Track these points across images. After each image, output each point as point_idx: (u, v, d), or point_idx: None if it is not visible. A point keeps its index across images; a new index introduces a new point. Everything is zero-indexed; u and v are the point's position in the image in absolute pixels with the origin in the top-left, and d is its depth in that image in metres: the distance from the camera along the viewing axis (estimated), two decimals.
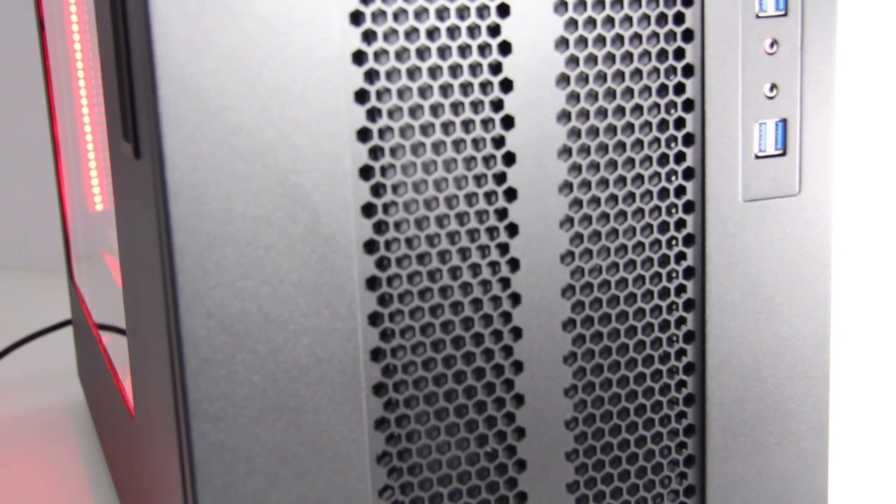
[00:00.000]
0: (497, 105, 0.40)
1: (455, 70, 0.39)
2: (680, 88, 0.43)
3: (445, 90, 0.39)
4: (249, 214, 0.37)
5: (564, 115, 0.41)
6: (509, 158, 0.41)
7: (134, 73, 0.39)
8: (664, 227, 0.43)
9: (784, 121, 0.44)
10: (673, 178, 0.43)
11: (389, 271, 0.40)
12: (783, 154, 0.45)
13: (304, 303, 0.39)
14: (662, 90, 0.42)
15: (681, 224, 0.44)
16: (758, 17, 0.43)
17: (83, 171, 0.74)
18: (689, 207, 0.44)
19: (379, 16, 0.38)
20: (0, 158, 1.24)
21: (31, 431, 0.80)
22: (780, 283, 0.46)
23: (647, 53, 0.42)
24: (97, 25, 0.46)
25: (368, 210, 0.39)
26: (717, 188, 0.44)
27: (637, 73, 0.42)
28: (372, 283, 0.40)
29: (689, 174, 0.43)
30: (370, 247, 0.39)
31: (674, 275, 0.44)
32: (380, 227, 0.39)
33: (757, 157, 0.44)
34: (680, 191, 0.43)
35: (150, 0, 0.35)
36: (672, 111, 0.43)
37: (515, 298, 0.41)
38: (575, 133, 0.41)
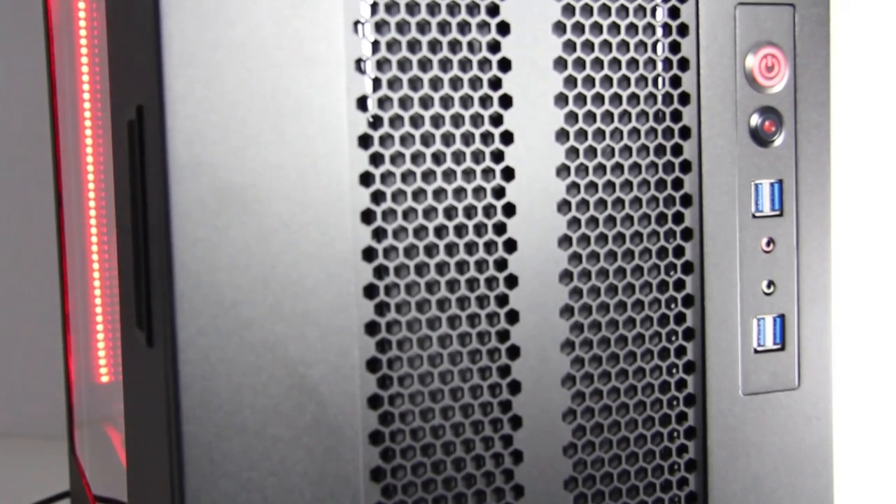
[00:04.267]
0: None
1: (462, 266, 0.41)
2: (680, 285, 0.44)
3: (452, 285, 0.41)
4: (258, 406, 0.38)
5: (567, 310, 0.42)
6: (513, 351, 0.42)
7: (151, 266, 0.40)
8: (665, 420, 0.44)
9: (782, 316, 0.45)
10: (674, 371, 0.44)
11: (394, 462, 0.40)
12: (782, 349, 0.46)
13: (309, 494, 0.39)
14: (663, 286, 0.44)
15: (682, 417, 0.44)
16: (754, 216, 0.45)
17: (91, 343, 0.75)
18: (690, 401, 0.44)
19: (389, 214, 0.40)
20: (7, 324, 1.25)
21: None
22: (782, 476, 0.46)
23: (647, 251, 0.43)
24: (116, 220, 0.47)
25: (375, 402, 0.40)
26: (718, 382, 0.44)
27: (638, 269, 0.43)
28: (377, 474, 0.40)
29: (689, 368, 0.44)
30: (376, 438, 0.40)
31: (676, 468, 0.44)
32: (385, 419, 0.40)
33: (756, 351, 0.45)
34: (681, 384, 0.44)
35: (171, 200, 0.37)
36: (672, 306, 0.44)
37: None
38: (578, 327, 0.42)
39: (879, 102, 0.67)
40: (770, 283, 0.45)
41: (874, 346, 0.67)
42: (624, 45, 0.43)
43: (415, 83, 0.40)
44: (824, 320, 0.46)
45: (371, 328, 0.40)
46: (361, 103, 0.39)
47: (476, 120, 0.41)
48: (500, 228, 0.41)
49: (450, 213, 0.41)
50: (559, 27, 0.42)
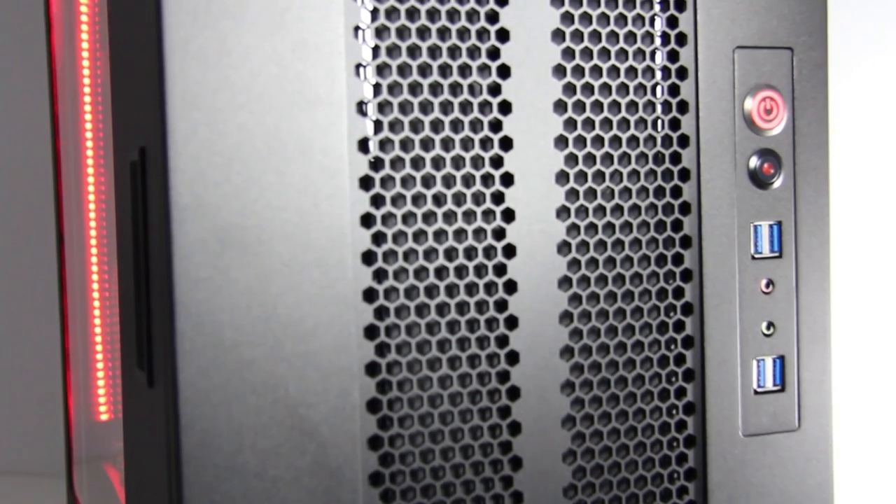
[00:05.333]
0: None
1: (462, 307, 0.41)
2: (680, 326, 0.44)
3: (452, 326, 0.41)
4: (258, 446, 0.38)
5: (567, 351, 0.42)
6: (513, 392, 0.42)
7: (152, 306, 0.40)
8: (666, 461, 0.44)
9: (782, 358, 0.46)
10: (674, 412, 0.44)
11: (394, 503, 0.40)
12: (782, 390, 0.46)
13: None
14: (663, 327, 0.44)
15: (682, 458, 0.44)
16: (753, 258, 0.45)
17: (90, 380, 0.75)
18: (690, 442, 0.44)
19: (390, 255, 0.40)
20: (6, 359, 1.25)
21: None
22: None
23: (647, 292, 0.43)
24: (118, 259, 0.47)
25: (375, 443, 0.40)
26: (718, 423, 0.44)
27: (638, 310, 0.43)
28: None
29: (689, 409, 0.44)
30: (376, 479, 0.40)
31: None
32: (385, 460, 0.40)
33: (756, 392, 0.45)
34: (681, 425, 0.44)
35: (172, 240, 0.37)
36: (672, 347, 0.44)
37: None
38: (578, 368, 0.42)
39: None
40: (770, 325, 0.45)
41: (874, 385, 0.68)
42: (623, 88, 0.43)
43: (416, 125, 0.40)
44: (824, 361, 0.46)
45: (371, 369, 0.40)
46: (363, 145, 0.39)
47: (477, 162, 0.41)
48: (500, 269, 0.41)
49: (450, 254, 0.41)
50: (559, 70, 0.42)
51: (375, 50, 0.40)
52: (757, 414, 0.45)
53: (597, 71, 0.43)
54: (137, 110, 0.42)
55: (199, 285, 0.37)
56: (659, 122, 0.44)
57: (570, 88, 0.42)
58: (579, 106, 0.42)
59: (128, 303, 0.45)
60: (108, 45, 0.53)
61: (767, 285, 0.45)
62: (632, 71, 0.43)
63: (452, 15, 0.41)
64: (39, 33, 0.93)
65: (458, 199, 0.41)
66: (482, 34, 0.41)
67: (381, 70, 0.40)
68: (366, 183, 0.40)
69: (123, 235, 0.46)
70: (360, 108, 0.39)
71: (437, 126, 0.40)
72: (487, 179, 0.41)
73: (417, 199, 0.40)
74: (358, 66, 0.39)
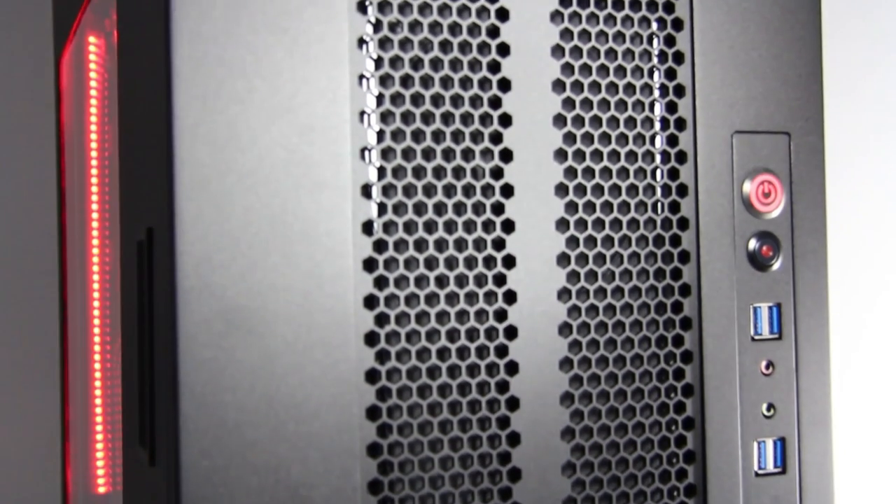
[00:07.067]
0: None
1: (464, 388, 0.41)
2: (681, 407, 0.44)
3: (454, 407, 0.41)
4: None
5: (568, 432, 0.42)
6: (514, 477, 0.42)
7: (156, 385, 0.40)
8: None
9: (782, 439, 0.46)
10: (675, 494, 0.44)
11: None
12: (783, 472, 0.46)
13: None
14: (664, 408, 0.44)
15: None
16: (753, 339, 0.45)
17: (90, 453, 0.75)
18: None
19: (393, 336, 0.40)
20: (6, 431, 1.25)
21: None
22: None
23: (648, 373, 0.44)
24: (122, 336, 0.48)
25: None
26: None
27: (639, 391, 0.44)
28: None
29: (691, 491, 0.44)
30: None
31: None
32: None
33: (757, 475, 0.45)
34: None
35: (178, 321, 0.37)
36: (673, 429, 0.44)
37: None
38: (578, 449, 0.43)
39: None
40: (770, 406, 0.45)
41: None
42: (624, 172, 0.44)
43: (419, 208, 0.41)
44: (825, 443, 0.46)
45: (373, 450, 0.40)
46: (367, 227, 0.40)
47: (479, 244, 0.42)
48: (501, 351, 0.42)
49: (452, 335, 0.41)
50: (560, 154, 0.43)
51: (380, 134, 0.40)
52: (759, 496, 0.45)
53: (598, 155, 0.43)
54: (145, 190, 0.42)
55: (203, 366, 0.38)
56: (659, 204, 0.44)
57: (571, 172, 0.43)
58: (580, 189, 0.43)
59: (131, 379, 0.45)
60: (116, 121, 0.53)
61: (767, 367, 0.45)
62: (632, 155, 0.44)
63: (456, 100, 0.41)
64: (50, 107, 0.94)
65: (461, 280, 0.41)
66: (485, 118, 0.42)
67: (386, 153, 0.41)
68: (369, 265, 0.40)
69: (128, 312, 0.47)
70: (365, 190, 0.40)
71: (440, 208, 0.41)
72: (489, 261, 0.42)
73: (420, 281, 0.41)
74: (363, 149, 0.40)
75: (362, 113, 0.40)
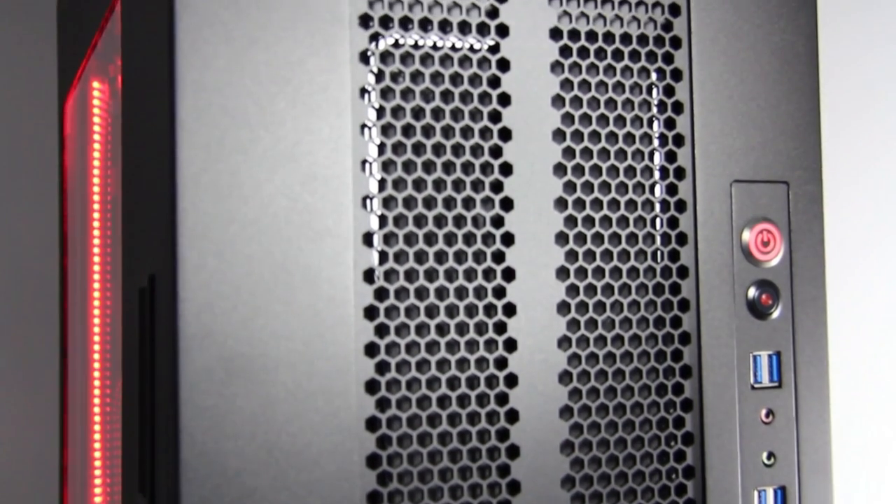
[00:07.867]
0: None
1: (464, 436, 0.41)
2: (681, 456, 0.44)
3: (454, 455, 0.41)
4: None
5: (568, 481, 0.42)
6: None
7: (157, 432, 0.40)
8: None
9: (783, 488, 0.46)
10: None
11: None
12: None
13: None
14: (664, 457, 0.44)
15: None
16: (753, 388, 0.45)
17: (88, 498, 0.74)
18: None
19: (393, 385, 0.40)
20: (5, 478, 1.24)
21: None
22: None
23: (648, 421, 0.44)
24: (122, 383, 0.48)
25: None
26: None
27: (639, 440, 0.44)
28: None
29: None
30: None
31: None
32: None
33: None
34: None
35: (179, 368, 0.37)
36: (674, 477, 0.44)
37: None
38: (578, 497, 0.42)
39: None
40: (770, 455, 0.45)
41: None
42: (623, 220, 0.44)
43: (420, 256, 0.41)
44: (825, 492, 0.46)
45: (374, 498, 0.40)
46: (368, 276, 0.40)
47: (480, 292, 0.42)
48: (502, 399, 0.42)
49: (453, 383, 0.41)
50: (561, 203, 0.43)
51: (382, 182, 0.41)
52: None
53: (598, 203, 0.44)
54: (148, 237, 0.43)
55: (204, 413, 0.38)
56: (658, 253, 0.44)
57: (571, 220, 0.43)
58: (580, 238, 0.43)
59: (131, 426, 0.45)
60: (119, 166, 0.54)
61: (767, 415, 0.45)
62: (631, 203, 0.44)
63: (457, 149, 0.42)
64: (53, 151, 0.95)
65: (461, 328, 0.41)
66: (486, 168, 0.42)
67: (387, 202, 0.41)
68: (370, 313, 0.40)
69: (130, 358, 0.47)
70: (367, 239, 0.40)
71: (440, 257, 0.41)
72: (490, 309, 0.42)
73: (421, 329, 0.41)
74: (365, 198, 0.40)
75: (364, 162, 0.41)
